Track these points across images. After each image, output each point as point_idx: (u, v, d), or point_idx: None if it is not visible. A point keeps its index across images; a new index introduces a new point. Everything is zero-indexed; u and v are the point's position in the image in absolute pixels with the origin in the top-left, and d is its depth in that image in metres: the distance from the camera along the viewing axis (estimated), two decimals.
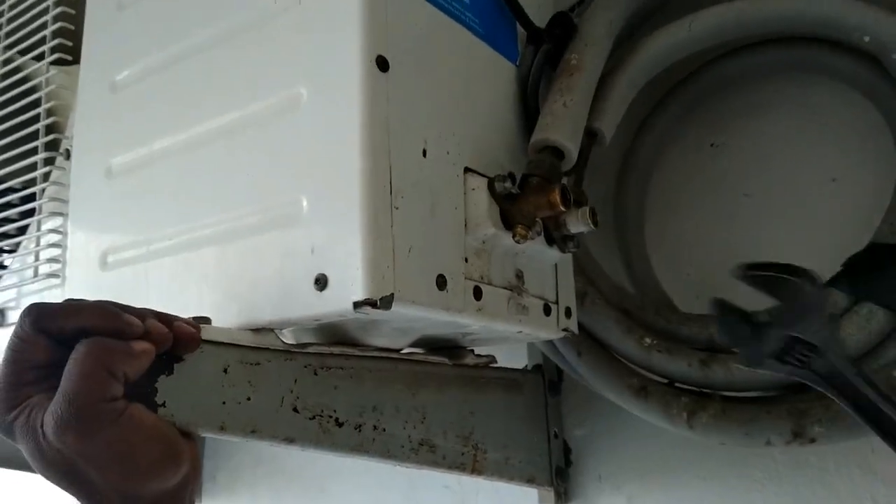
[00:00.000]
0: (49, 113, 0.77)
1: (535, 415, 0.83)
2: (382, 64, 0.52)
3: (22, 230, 0.80)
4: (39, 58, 0.81)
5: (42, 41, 0.80)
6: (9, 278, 0.80)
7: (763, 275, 0.52)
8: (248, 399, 0.53)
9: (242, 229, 0.56)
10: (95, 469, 0.42)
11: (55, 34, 0.81)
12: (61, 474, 0.43)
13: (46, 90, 0.78)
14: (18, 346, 0.43)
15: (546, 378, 0.85)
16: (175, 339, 0.48)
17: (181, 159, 0.62)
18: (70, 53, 0.80)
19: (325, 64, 0.53)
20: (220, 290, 0.57)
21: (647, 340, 0.72)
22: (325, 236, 0.51)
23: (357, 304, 0.48)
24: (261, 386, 0.54)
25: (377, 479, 1.05)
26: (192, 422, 0.49)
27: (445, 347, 0.69)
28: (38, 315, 0.43)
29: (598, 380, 0.74)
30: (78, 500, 0.44)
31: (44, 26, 0.81)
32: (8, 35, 0.85)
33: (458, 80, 0.61)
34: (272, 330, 0.55)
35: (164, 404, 0.48)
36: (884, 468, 0.68)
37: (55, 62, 0.79)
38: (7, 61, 0.84)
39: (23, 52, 0.84)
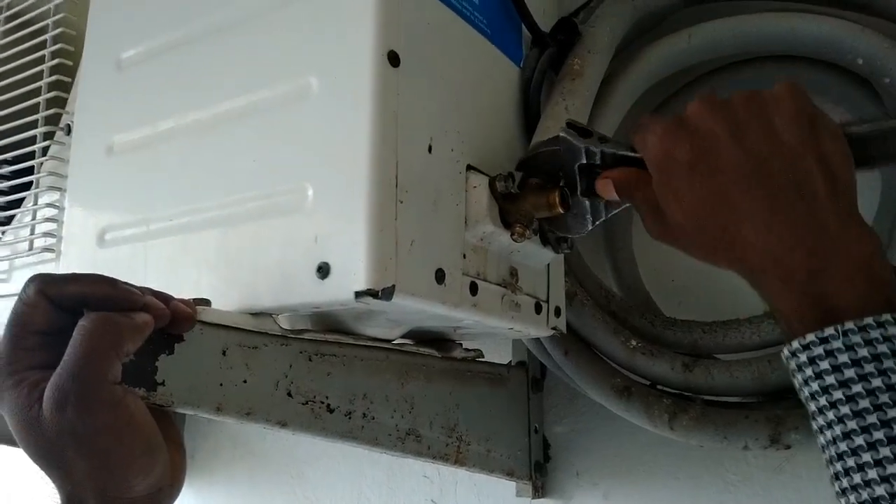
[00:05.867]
0: (51, 87, 0.77)
1: (517, 410, 0.85)
2: (394, 59, 0.53)
3: (13, 204, 0.80)
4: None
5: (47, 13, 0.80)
6: (1, 251, 0.79)
7: None
8: (245, 382, 0.54)
9: (245, 214, 0.57)
10: (77, 451, 0.42)
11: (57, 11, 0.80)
12: (45, 451, 0.43)
13: (49, 64, 0.78)
14: (21, 309, 0.44)
15: (529, 374, 0.87)
16: (171, 318, 0.48)
17: (187, 141, 0.62)
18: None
19: (337, 56, 0.54)
20: (219, 273, 0.57)
21: (633, 342, 0.73)
22: (329, 225, 0.52)
23: (359, 294, 0.49)
24: (257, 369, 0.55)
25: (356, 467, 1.06)
26: (190, 401, 0.50)
27: (435, 340, 0.70)
28: (41, 281, 0.44)
29: (582, 378, 0.76)
30: (52, 481, 0.44)
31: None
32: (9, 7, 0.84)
33: (464, 79, 0.61)
34: (270, 315, 0.56)
35: (163, 383, 0.48)
36: None
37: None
38: (7, 32, 0.83)
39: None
